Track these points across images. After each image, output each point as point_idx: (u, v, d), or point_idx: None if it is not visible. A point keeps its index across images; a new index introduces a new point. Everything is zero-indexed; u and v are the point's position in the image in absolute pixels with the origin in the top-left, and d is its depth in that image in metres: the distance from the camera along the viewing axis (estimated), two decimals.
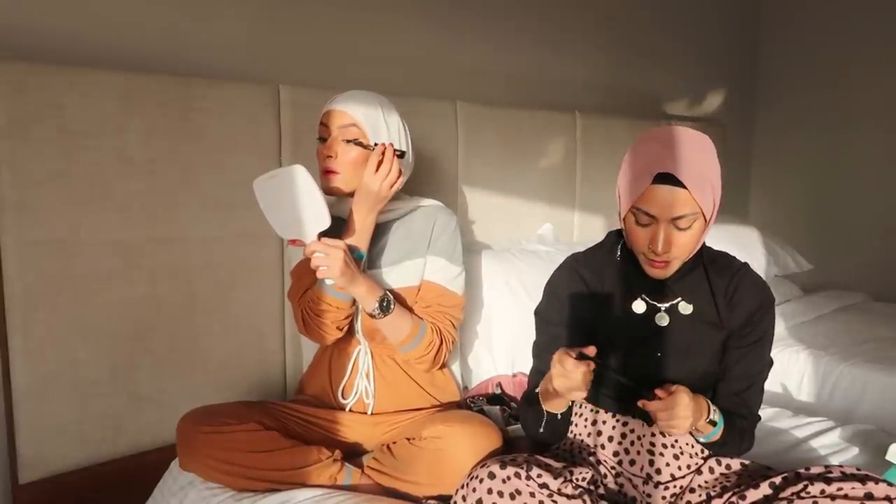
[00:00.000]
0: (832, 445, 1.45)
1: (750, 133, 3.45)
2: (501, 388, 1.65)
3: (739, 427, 1.15)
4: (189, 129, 1.50)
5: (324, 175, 1.35)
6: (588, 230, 2.43)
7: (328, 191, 1.35)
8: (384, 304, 1.31)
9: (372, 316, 1.32)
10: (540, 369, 1.25)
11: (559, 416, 1.17)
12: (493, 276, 1.81)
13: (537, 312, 1.29)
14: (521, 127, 2.18)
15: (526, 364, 1.74)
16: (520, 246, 2.07)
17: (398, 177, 1.30)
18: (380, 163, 1.28)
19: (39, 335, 1.35)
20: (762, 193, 3.46)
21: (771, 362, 1.19)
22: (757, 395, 1.18)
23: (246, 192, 1.57)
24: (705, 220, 1.08)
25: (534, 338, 1.30)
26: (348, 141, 1.32)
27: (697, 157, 1.06)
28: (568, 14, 2.44)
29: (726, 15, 3.21)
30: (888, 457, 1.27)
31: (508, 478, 0.99)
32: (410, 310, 1.40)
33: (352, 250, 1.30)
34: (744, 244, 2.52)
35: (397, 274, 1.40)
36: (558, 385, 1.04)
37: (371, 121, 1.33)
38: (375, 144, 1.31)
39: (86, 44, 1.44)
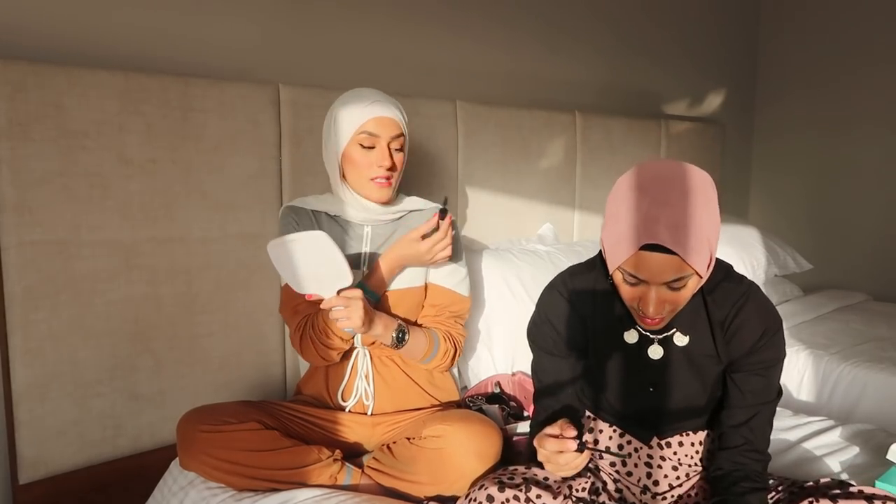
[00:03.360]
0: (832, 445, 1.45)
1: (750, 133, 3.45)
2: (501, 388, 1.65)
3: (752, 483, 1.03)
4: (189, 129, 1.50)
5: (378, 184, 1.35)
6: (588, 230, 2.44)
7: (377, 200, 1.37)
8: (400, 336, 1.34)
9: (391, 348, 1.35)
10: (541, 400, 1.19)
11: None
12: (493, 276, 1.81)
13: (529, 337, 1.20)
14: (521, 127, 2.18)
15: (526, 363, 1.75)
16: (520, 246, 2.07)
17: (448, 256, 1.36)
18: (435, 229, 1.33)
19: (39, 335, 1.35)
20: (762, 194, 3.46)
21: (780, 393, 1.09)
22: (763, 429, 1.07)
23: (246, 193, 1.59)
24: (700, 276, 0.96)
25: None
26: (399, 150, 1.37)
27: (693, 215, 0.92)
28: (568, 14, 2.44)
29: (727, 16, 3.21)
30: (889, 456, 1.27)
31: (507, 500, 0.98)
32: (416, 323, 1.42)
33: (367, 291, 1.31)
34: (744, 244, 2.53)
35: (400, 276, 1.40)
36: (549, 469, 1.00)
37: (406, 123, 1.38)
38: (443, 210, 1.33)
39: (85, 44, 1.44)
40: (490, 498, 0.98)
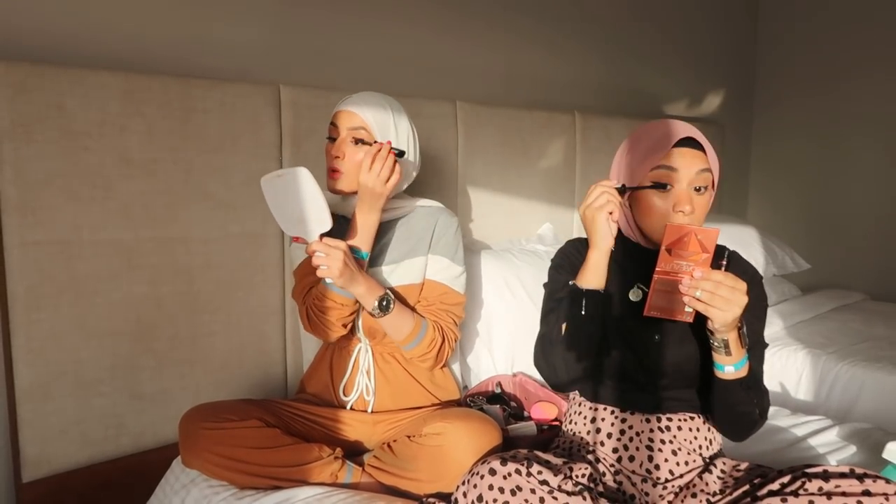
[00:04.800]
0: (830, 444, 1.46)
1: (748, 134, 3.46)
2: (501, 388, 1.65)
3: (756, 375, 1.14)
4: (190, 129, 1.51)
5: (330, 174, 1.37)
6: None
7: (333, 190, 1.37)
8: (383, 304, 1.32)
9: (372, 315, 1.33)
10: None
11: (602, 292, 1.16)
12: (493, 276, 1.82)
13: (546, 284, 1.31)
14: (521, 127, 2.19)
15: (525, 364, 1.76)
16: (520, 246, 2.08)
17: (391, 173, 1.29)
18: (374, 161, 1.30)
19: (42, 335, 1.36)
20: (761, 193, 3.47)
21: (764, 343, 1.20)
22: (755, 363, 1.15)
23: (247, 193, 1.59)
24: (712, 188, 1.16)
25: (532, 337, 1.30)
26: (356, 142, 1.34)
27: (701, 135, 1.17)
28: (568, 15, 2.45)
29: (725, 17, 3.21)
30: (885, 455, 1.28)
31: (509, 474, 1.00)
32: (413, 309, 1.40)
33: (354, 250, 1.31)
34: (742, 244, 2.54)
35: (399, 272, 1.41)
36: (586, 212, 1.13)
37: (380, 123, 1.35)
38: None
39: (87, 45, 1.44)
40: (493, 471, 1.00)
